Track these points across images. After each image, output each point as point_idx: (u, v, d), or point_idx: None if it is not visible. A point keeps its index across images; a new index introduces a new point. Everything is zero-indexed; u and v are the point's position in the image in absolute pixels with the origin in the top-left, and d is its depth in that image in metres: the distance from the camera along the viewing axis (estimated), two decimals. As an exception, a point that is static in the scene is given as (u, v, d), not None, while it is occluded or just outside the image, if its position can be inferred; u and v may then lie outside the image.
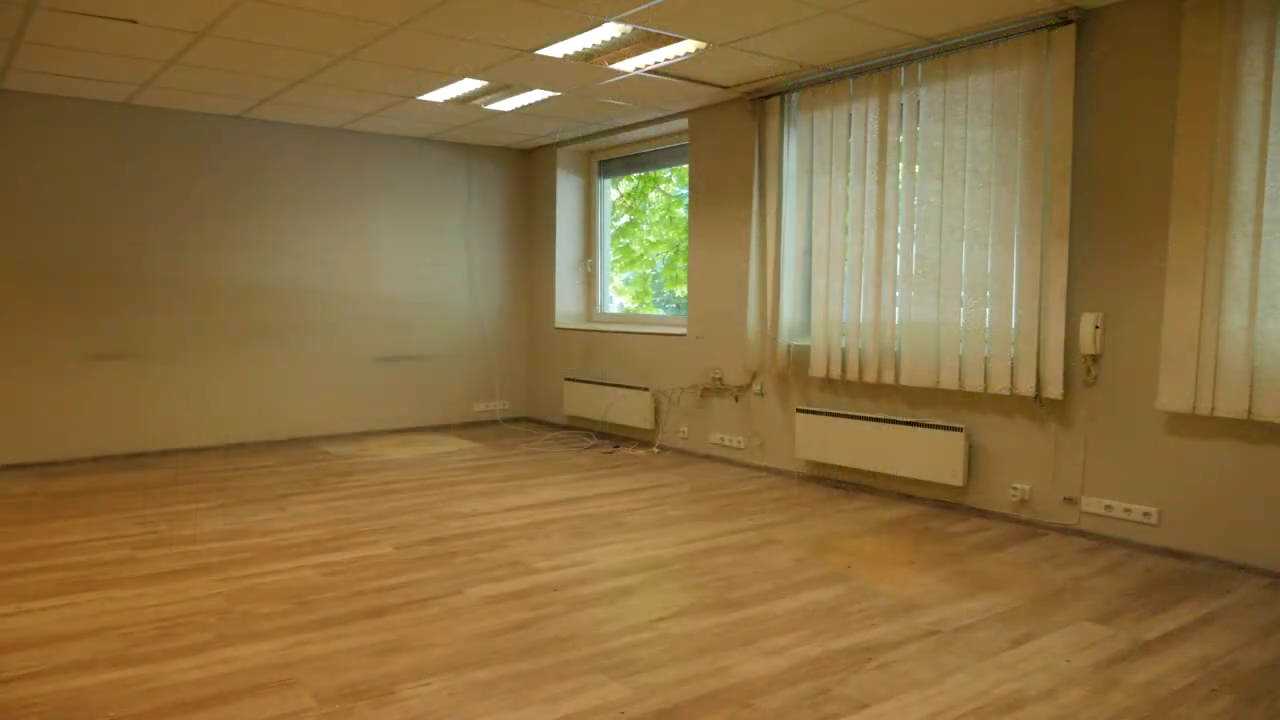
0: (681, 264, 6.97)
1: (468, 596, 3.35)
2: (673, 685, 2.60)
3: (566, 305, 7.60)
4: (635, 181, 7.61)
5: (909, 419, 4.80)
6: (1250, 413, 3.54)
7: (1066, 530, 4.24)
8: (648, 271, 7.71)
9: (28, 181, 5.66)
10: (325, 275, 6.81)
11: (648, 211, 7.71)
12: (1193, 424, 3.82)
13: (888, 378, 4.88)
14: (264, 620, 3.10)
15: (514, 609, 3.22)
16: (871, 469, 4.98)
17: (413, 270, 7.23)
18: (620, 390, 6.72)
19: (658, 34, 4.35)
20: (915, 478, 4.79)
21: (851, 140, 5.01)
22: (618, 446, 6.60)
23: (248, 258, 6.46)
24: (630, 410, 6.64)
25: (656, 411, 6.55)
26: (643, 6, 3.95)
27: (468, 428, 7.49)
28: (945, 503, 4.75)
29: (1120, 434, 4.05)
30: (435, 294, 7.36)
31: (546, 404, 7.73)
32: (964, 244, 4.49)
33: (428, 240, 7.28)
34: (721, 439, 6.04)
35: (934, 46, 4.53)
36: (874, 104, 4.87)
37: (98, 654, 2.81)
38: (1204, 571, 3.69)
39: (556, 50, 4.62)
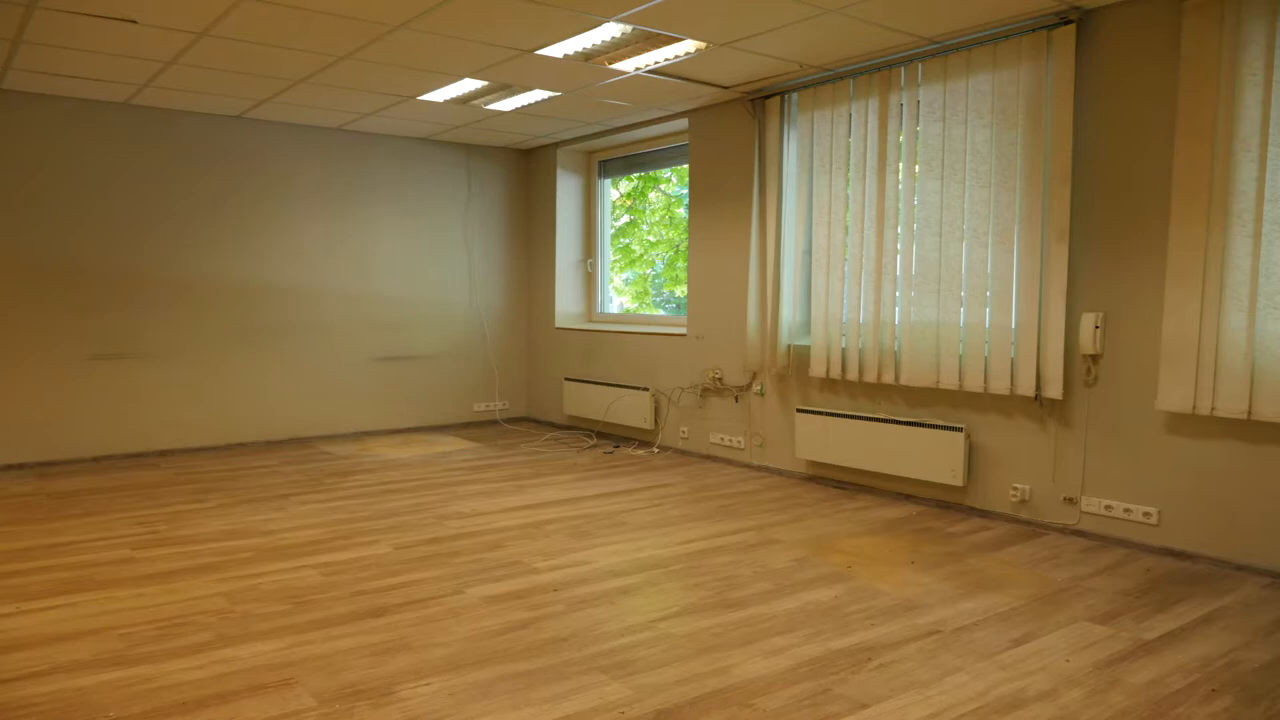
0: (681, 264, 6.97)
1: (468, 596, 3.35)
2: (673, 685, 2.60)
3: (566, 305, 7.61)
4: (635, 181, 7.61)
5: (909, 419, 4.80)
6: (1250, 413, 3.54)
7: (1066, 530, 4.24)
8: (648, 271, 7.71)
9: (28, 181, 5.67)
10: (325, 275, 6.81)
11: (648, 211, 7.71)
12: (1193, 424, 3.82)
13: (888, 378, 4.88)
14: (264, 620, 3.10)
15: (514, 609, 3.22)
16: (871, 469, 4.98)
17: (413, 270, 7.23)
18: (620, 390, 6.72)
19: (658, 34, 4.35)
20: (915, 478, 4.79)
21: (851, 140, 5.01)
22: (618, 446, 6.60)
23: (248, 258, 6.46)
24: (630, 410, 6.64)
25: (656, 411, 6.55)
26: (643, 6, 3.95)
27: (468, 428, 7.49)
28: (945, 503, 4.75)
29: (1120, 434, 4.05)
30: (435, 294, 7.36)
31: (546, 404, 7.73)
32: (964, 244, 4.49)
33: (428, 240, 7.28)
34: (721, 439, 6.04)
35: (934, 46, 4.53)
36: (874, 104, 4.87)
37: (98, 654, 2.81)
38: (1204, 571, 3.69)
39: (556, 50, 4.62)
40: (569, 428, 7.43)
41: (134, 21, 4.20)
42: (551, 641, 2.92)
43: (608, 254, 7.60)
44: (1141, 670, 2.73)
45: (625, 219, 7.80)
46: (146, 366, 6.14)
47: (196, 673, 2.68)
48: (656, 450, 6.43)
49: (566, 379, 7.29)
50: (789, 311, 5.44)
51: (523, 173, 7.78)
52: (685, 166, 6.49)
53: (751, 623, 3.10)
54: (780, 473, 5.63)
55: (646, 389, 6.53)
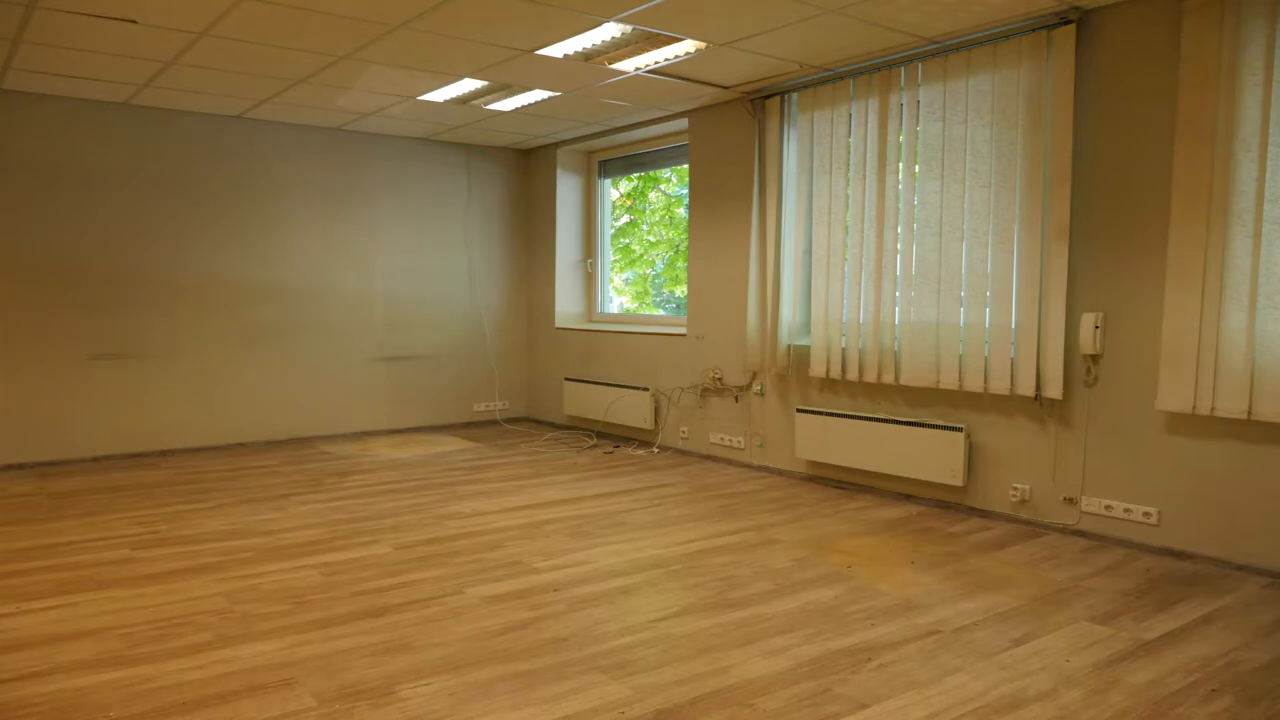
0: (681, 264, 6.97)
1: (468, 596, 3.35)
2: (673, 685, 2.60)
3: (566, 305, 7.60)
4: (635, 181, 7.61)
5: (908, 419, 4.80)
6: (1250, 413, 3.54)
7: (1067, 530, 4.24)
8: (648, 271, 7.71)
9: (28, 182, 5.67)
10: (326, 275, 6.81)
11: (647, 211, 7.71)
12: (1193, 424, 3.82)
13: (887, 378, 4.88)
14: (264, 620, 3.10)
15: (514, 609, 3.22)
16: (871, 469, 4.98)
17: (413, 270, 7.22)
18: (620, 390, 6.72)
19: (658, 34, 4.35)
20: (915, 478, 4.79)
21: (851, 140, 5.01)
22: (618, 446, 6.60)
23: (248, 257, 6.46)
24: (630, 410, 6.64)
25: (656, 411, 6.54)
26: (643, 6, 3.95)
27: (468, 428, 7.48)
28: (945, 503, 4.75)
29: (1121, 434, 4.05)
30: (435, 294, 7.36)
31: (546, 404, 7.73)
32: (964, 244, 4.49)
33: (428, 240, 7.28)
34: (722, 439, 6.04)
35: (934, 46, 4.53)
36: (874, 104, 4.87)
37: (98, 654, 2.81)
38: (1204, 571, 3.69)
39: (556, 50, 4.62)
40: (569, 428, 7.42)
41: (134, 22, 4.20)
42: (552, 641, 2.92)
43: (608, 254, 7.60)
44: (1141, 670, 2.73)
45: (625, 219, 7.80)
46: (147, 366, 6.13)
47: (196, 673, 2.68)
48: (656, 450, 6.43)
49: (566, 379, 7.29)
50: (789, 311, 5.43)
51: (522, 173, 7.78)
52: (685, 166, 6.49)
53: (751, 623, 3.10)
54: (780, 473, 5.62)
55: (646, 389, 6.52)
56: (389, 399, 7.18)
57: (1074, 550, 3.97)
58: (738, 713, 2.43)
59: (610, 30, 4.31)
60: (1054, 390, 4.19)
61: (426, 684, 2.61)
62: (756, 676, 2.67)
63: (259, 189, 6.48)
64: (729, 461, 5.98)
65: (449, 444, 6.69)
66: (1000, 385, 4.37)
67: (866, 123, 4.92)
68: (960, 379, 4.54)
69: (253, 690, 2.56)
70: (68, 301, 5.83)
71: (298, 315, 6.71)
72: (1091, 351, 4.08)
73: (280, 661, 2.76)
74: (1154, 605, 3.29)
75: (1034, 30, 4.16)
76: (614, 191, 7.64)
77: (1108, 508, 4.10)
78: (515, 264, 7.81)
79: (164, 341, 6.19)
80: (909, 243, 4.75)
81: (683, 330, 6.37)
